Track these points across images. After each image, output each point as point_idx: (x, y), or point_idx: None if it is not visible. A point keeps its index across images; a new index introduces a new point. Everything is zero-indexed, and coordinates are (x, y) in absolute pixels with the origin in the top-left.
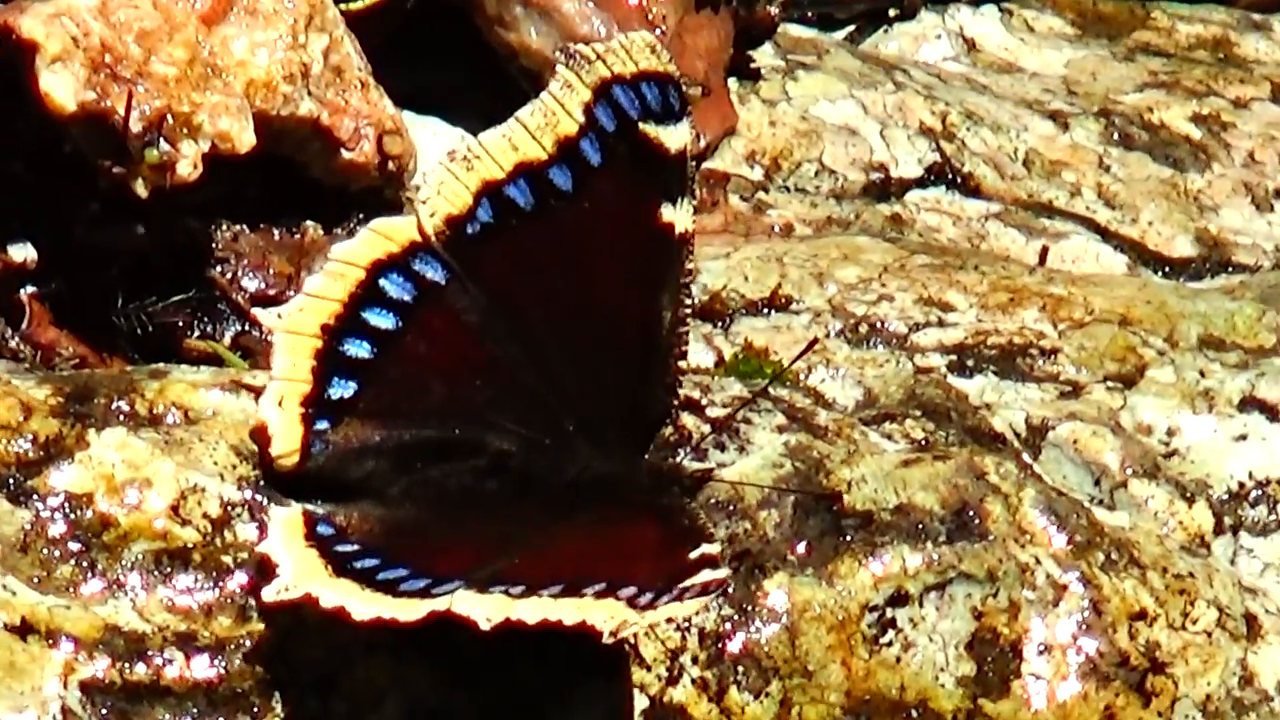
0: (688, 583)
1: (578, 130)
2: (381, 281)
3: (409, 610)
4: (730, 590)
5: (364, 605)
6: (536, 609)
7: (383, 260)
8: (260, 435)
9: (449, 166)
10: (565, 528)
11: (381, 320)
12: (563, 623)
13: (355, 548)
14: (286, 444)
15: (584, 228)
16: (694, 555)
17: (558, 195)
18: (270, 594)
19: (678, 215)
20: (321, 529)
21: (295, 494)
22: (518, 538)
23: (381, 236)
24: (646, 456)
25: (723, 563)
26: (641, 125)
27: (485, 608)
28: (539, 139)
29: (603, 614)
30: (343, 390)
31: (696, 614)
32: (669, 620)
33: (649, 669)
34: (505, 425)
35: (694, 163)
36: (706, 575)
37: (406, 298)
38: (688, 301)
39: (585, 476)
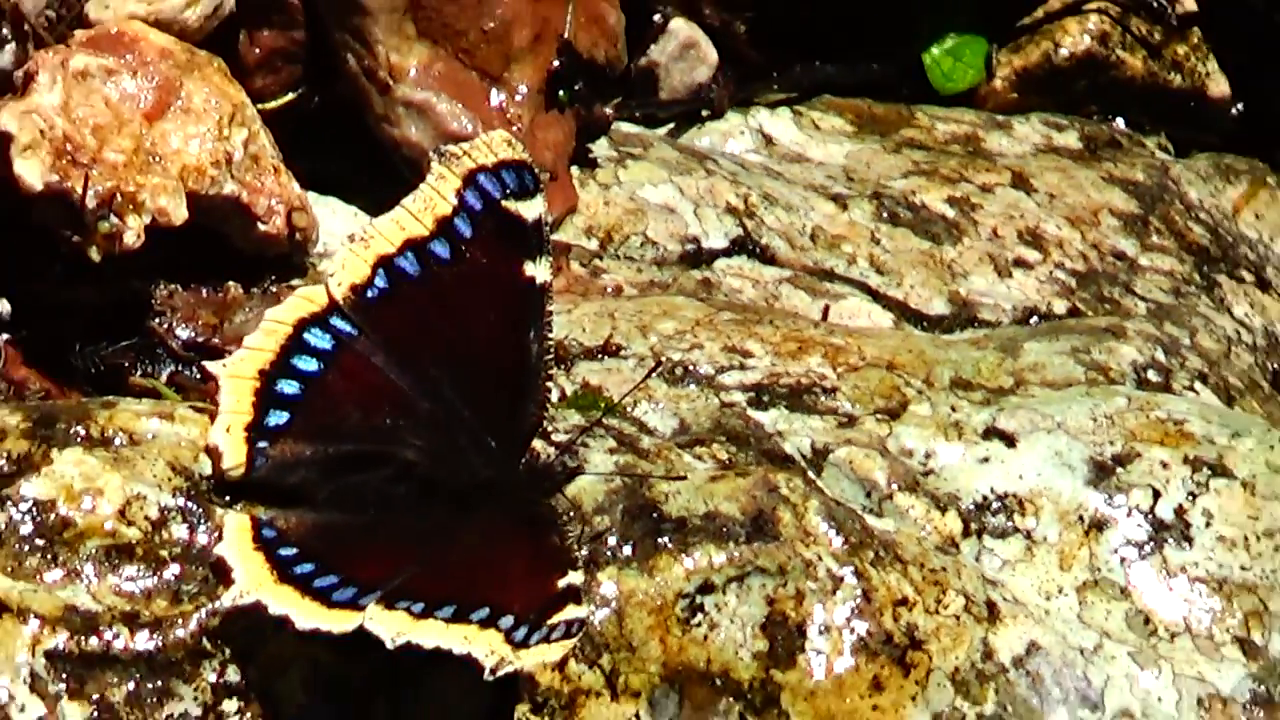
0: (555, 619)
1: (452, 210)
2: (305, 335)
3: (340, 623)
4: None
5: (304, 617)
6: (431, 634)
7: (306, 318)
8: (213, 454)
9: (350, 247)
10: (459, 534)
11: (306, 365)
12: (452, 651)
13: (294, 552)
14: (234, 459)
15: (463, 285)
16: (561, 585)
17: (439, 262)
18: (228, 600)
19: (538, 270)
20: (266, 532)
21: (241, 499)
22: (422, 543)
23: (304, 300)
24: (523, 462)
25: (585, 595)
26: (503, 202)
27: (391, 627)
28: (421, 219)
29: (484, 648)
30: (278, 419)
31: (561, 657)
32: (539, 662)
33: None
34: (410, 441)
35: (556, 223)
36: (570, 613)
37: (326, 346)
38: (549, 335)
39: (475, 479)
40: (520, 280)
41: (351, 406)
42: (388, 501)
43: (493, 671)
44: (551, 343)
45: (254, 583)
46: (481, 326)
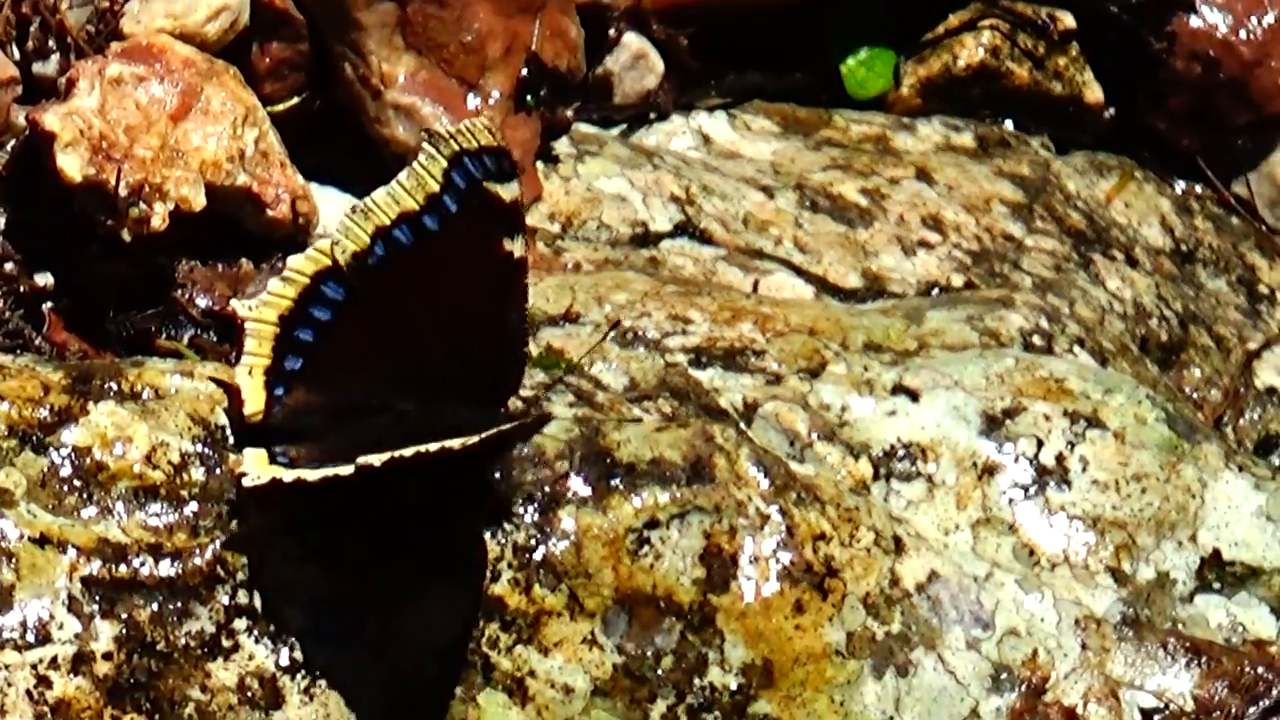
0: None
1: (440, 188)
2: (322, 287)
3: (344, 469)
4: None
5: (313, 473)
6: (414, 451)
7: (322, 271)
8: (235, 397)
9: (352, 217)
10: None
11: (321, 315)
12: (430, 451)
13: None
14: (254, 405)
15: (450, 256)
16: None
17: (429, 235)
18: (248, 481)
19: (515, 245)
20: (280, 459)
21: (257, 439)
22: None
23: (321, 254)
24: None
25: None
26: (485, 184)
27: (381, 458)
28: (413, 195)
29: (458, 442)
30: (293, 364)
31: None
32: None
33: None
34: (408, 392)
35: (525, 208)
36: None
37: (339, 299)
38: (527, 302)
39: (459, 429)
40: (500, 254)
41: (357, 357)
42: (383, 444)
43: (463, 445)
44: (528, 306)
45: (268, 471)
46: (468, 292)
